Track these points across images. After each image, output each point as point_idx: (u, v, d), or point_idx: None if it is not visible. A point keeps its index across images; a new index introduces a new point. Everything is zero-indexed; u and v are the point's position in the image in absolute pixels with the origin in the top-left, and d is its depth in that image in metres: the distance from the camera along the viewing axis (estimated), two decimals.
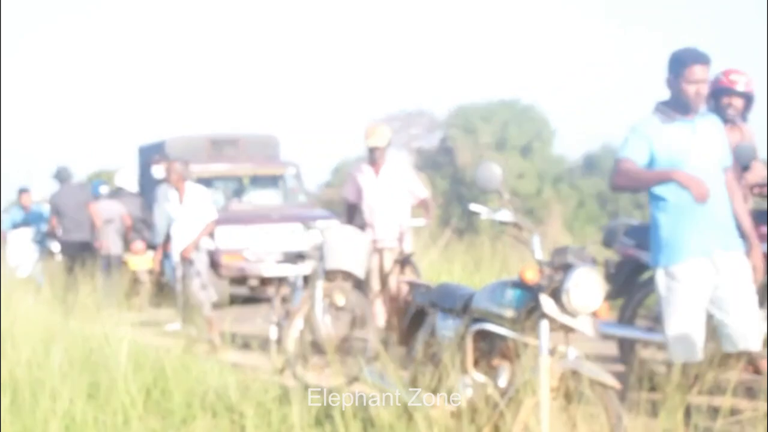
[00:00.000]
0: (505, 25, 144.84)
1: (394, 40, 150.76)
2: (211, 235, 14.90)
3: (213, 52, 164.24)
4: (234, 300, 15.97)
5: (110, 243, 17.60)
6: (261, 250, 12.53)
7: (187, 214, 13.19)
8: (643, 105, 8.28)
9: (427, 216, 11.11)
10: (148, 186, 19.51)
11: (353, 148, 72.10)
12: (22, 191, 19.06)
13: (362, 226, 10.85)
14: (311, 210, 17.91)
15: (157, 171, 17.91)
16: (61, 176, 18.83)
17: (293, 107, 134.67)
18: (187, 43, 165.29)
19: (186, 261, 12.96)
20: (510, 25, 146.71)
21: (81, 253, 17.48)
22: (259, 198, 18.43)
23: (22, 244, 19.46)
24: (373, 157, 10.88)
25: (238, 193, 18.39)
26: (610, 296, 8.40)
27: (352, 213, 11.43)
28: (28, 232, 20.16)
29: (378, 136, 10.64)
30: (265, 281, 16.71)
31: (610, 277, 8.89)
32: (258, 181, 17.95)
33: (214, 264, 12.84)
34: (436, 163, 64.03)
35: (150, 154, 20.16)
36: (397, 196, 10.41)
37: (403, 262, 10.90)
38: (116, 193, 18.92)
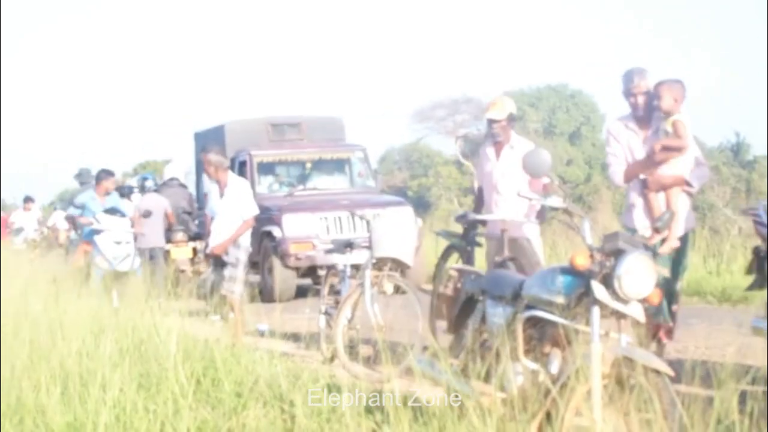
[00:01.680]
0: (552, 9, 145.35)
1: (441, 27, 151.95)
2: (278, 223, 14.88)
3: (264, 39, 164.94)
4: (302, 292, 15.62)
5: (152, 235, 17.49)
6: (331, 238, 11.98)
7: (227, 209, 12.86)
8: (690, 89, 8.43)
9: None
10: (200, 175, 19.48)
11: (399, 136, 72.00)
12: (105, 175, 17.04)
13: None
14: (381, 195, 17.62)
15: (171, 170, 17.86)
16: (83, 178, 18.79)
17: (339, 96, 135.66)
18: (236, 27, 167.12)
19: (217, 259, 12.83)
20: (557, 10, 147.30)
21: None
22: (324, 183, 18.06)
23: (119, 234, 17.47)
24: (493, 131, 10.33)
25: (302, 179, 18.12)
26: (756, 286, 8.35)
27: (480, 198, 11.09)
28: (122, 222, 18.12)
29: (497, 108, 10.15)
30: None
31: (759, 265, 8.60)
32: (323, 165, 17.39)
33: (281, 253, 12.55)
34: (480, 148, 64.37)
35: (207, 140, 19.73)
36: (518, 179, 9.70)
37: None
38: (164, 184, 18.78)
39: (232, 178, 13.02)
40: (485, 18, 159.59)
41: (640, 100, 8.07)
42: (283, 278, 15.17)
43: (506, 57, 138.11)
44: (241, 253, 12.69)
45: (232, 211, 12.76)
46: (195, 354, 8.90)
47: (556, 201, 6.97)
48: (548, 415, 5.79)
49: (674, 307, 8.20)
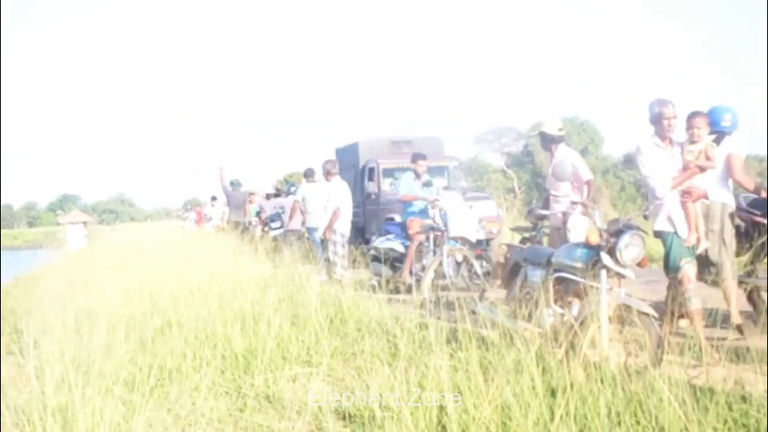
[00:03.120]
0: (566, 62, 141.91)
1: (490, 70, 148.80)
2: (398, 212, 14.80)
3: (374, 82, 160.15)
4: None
5: (292, 223, 17.51)
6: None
7: (330, 203, 12.65)
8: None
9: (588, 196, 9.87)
10: (345, 179, 19.13)
11: (464, 153, 71.92)
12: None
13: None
14: (471, 192, 17.09)
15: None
16: (234, 186, 18.79)
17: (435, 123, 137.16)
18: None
19: (326, 238, 12.53)
20: (569, 63, 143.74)
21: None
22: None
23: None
24: (545, 142, 9.57)
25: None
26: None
27: (546, 198, 10.19)
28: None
29: (549, 124, 9.50)
30: None
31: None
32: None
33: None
34: (521, 162, 64.86)
35: (345, 155, 19.92)
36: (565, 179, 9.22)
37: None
38: (287, 191, 18.88)
39: (336, 180, 12.79)
40: (520, 66, 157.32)
41: (666, 124, 7.54)
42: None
43: (535, 95, 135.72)
44: (337, 236, 12.44)
45: (333, 204, 12.53)
46: (328, 302, 8.94)
47: (575, 197, 7.04)
48: (571, 345, 5.81)
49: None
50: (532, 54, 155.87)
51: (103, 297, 9.76)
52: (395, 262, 12.04)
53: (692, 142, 7.54)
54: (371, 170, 17.82)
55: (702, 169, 7.39)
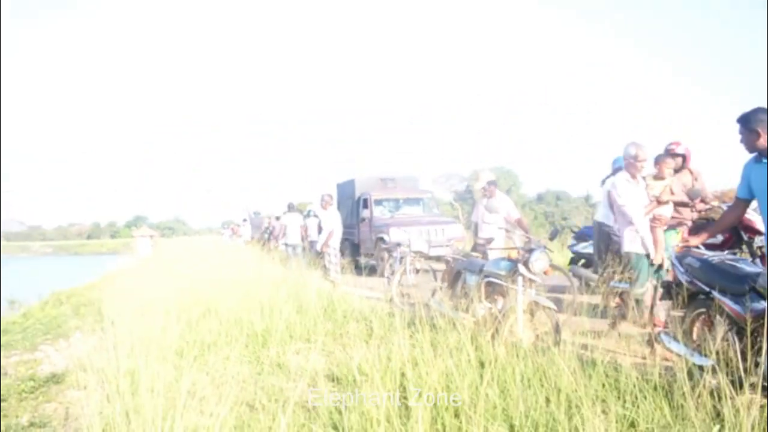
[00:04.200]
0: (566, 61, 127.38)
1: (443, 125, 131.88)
2: (386, 233, 14.69)
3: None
4: None
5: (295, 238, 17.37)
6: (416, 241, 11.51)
7: (326, 226, 12.44)
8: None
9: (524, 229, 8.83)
10: (341, 207, 18.78)
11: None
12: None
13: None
14: (442, 218, 16.94)
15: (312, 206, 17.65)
16: (291, 208, 18.65)
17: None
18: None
19: (323, 251, 12.33)
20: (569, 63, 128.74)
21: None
22: (409, 211, 17.21)
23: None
24: (488, 190, 9.46)
25: (397, 208, 17.19)
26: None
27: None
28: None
29: (486, 174, 9.70)
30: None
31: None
32: (408, 201, 17.15)
33: (386, 248, 12.29)
34: (464, 197, 64.80)
35: (344, 189, 19.55)
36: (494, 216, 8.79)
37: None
38: (307, 214, 18.52)
39: (331, 209, 12.61)
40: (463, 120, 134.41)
41: (639, 165, 6.68)
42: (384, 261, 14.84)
43: (473, 149, 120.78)
44: (331, 250, 12.31)
45: (328, 227, 12.39)
46: (324, 296, 8.91)
47: (504, 225, 7.04)
48: (497, 330, 5.77)
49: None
50: (532, 54, 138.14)
51: (161, 291, 9.73)
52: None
53: (659, 178, 7.08)
54: (365, 200, 17.39)
55: (666, 202, 6.84)
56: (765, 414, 3.57)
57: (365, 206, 17.29)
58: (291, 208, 18.09)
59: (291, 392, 4.89)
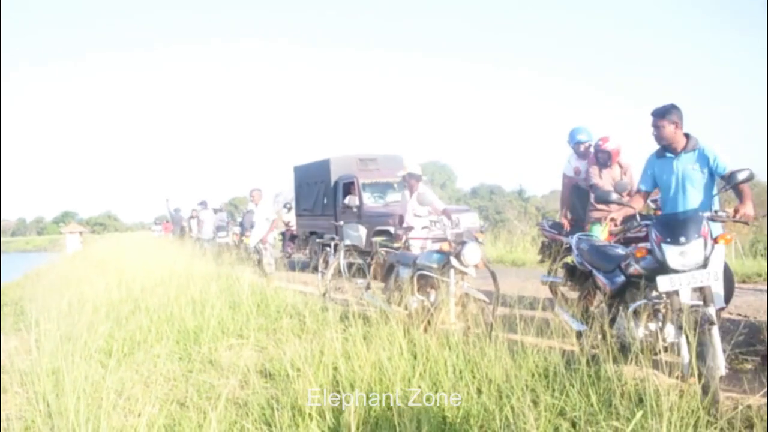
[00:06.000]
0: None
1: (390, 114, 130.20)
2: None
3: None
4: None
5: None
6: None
7: (261, 218, 12.32)
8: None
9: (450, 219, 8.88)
10: (303, 194, 17.22)
11: None
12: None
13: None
14: (453, 206, 13.83)
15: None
16: (204, 205, 18.34)
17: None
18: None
19: (261, 244, 12.13)
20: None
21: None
22: (392, 197, 14.32)
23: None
24: (410, 179, 8.83)
25: (385, 194, 14.58)
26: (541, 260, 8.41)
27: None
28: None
29: (412, 165, 8.72)
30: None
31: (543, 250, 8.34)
32: (401, 185, 13.51)
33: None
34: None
35: (309, 171, 17.35)
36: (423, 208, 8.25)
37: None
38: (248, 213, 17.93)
39: (265, 201, 12.49)
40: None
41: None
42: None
43: (422, 142, 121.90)
44: (268, 246, 12.14)
45: (265, 219, 12.28)
46: (257, 291, 8.78)
47: (435, 218, 7.01)
48: (429, 322, 5.78)
49: None
50: (532, 55, 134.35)
51: (90, 288, 9.42)
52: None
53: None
54: (348, 185, 14.95)
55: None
56: (765, 413, 3.68)
57: (350, 192, 14.87)
58: (204, 205, 18.12)
59: (223, 389, 4.79)
